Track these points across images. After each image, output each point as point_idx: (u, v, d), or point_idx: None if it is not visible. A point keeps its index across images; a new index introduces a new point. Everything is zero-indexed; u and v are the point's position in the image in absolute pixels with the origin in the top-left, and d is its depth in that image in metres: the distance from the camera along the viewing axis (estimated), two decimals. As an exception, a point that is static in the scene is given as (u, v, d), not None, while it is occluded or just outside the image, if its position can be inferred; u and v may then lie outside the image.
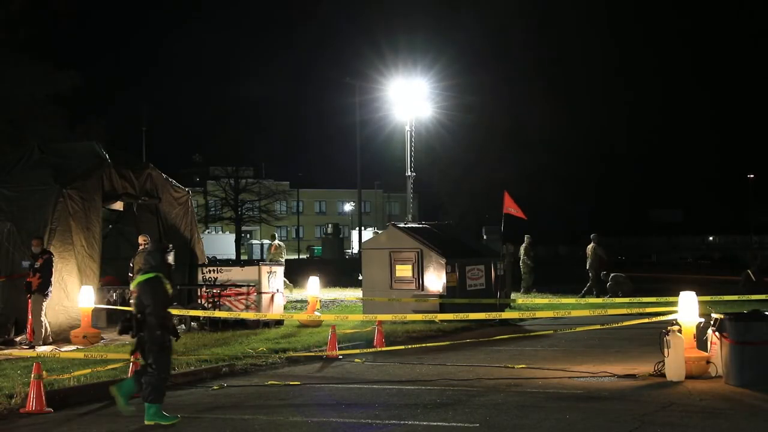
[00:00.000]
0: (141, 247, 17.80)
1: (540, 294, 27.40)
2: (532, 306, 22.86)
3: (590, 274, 26.63)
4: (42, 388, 10.39)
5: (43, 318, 15.82)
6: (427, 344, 14.54)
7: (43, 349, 14.73)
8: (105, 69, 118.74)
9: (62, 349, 14.75)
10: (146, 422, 9.70)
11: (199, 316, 18.05)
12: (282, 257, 27.04)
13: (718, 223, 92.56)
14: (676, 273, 38.14)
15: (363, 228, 59.99)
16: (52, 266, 15.91)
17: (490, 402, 10.64)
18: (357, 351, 14.04)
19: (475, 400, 10.76)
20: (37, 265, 15.77)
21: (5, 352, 14.55)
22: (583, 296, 25.88)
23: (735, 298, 18.37)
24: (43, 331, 15.76)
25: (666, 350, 11.79)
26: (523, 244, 28.40)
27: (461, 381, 12.21)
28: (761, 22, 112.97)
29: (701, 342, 12.14)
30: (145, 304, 9.68)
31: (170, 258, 9.95)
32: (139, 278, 9.84)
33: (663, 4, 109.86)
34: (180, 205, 20.50)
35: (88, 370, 11.70)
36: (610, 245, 27.59)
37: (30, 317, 15.74)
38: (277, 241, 28.38)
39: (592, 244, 26.96)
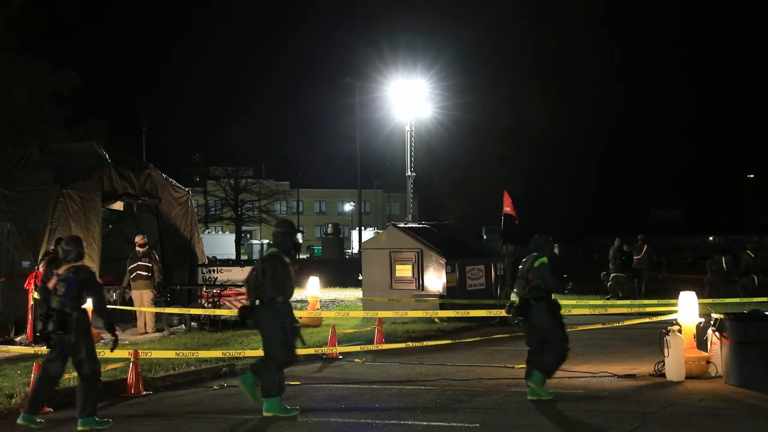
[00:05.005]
0: (142, 249, 17.79)
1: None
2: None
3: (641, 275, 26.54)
4: (42, 388, 10.38)
5: None
6: (427, 344, 14.52)
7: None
8: (105, 69, 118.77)
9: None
10: None
11: (199, 316, 18.05)
12: None
13: (718, 223, 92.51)
14: (676, 273, 38.11)
15: (363, 228, 59.97)
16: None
17: (490, 402, 10.64)
18: (357, 350, 14.03)
19: (475, 400, 10.76)
20: None
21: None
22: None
23: (736, 300, 18.37)
24: None
25: (666, 350, 11.79)
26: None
27: (461, 381, 12.21)
28: (761, 22, 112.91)
29: (701, 342, 12.14)
30: None
31: None
32: None
33: (662, 3, 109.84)
34: (180, 205, 20.50)
35: (88, 370, 11.67)
36: (610, 245, 27.48)
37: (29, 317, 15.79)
38: None
39: (645, 245, 26.81)
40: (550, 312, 10.68)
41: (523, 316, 10.74)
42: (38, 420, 9.68)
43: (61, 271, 9.78)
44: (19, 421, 9.58)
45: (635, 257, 26.70)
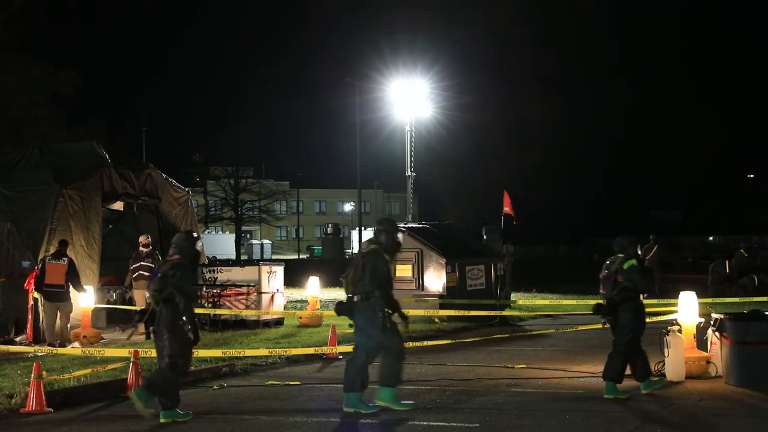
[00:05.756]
0: (146, 250, 17.78)
1: (540, 294, 27.38)
2: (532, 306, 22.85)
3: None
4: (42, 388, 10.39)
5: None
6: (427, 344, 14.51)
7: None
8: (105, 69, 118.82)
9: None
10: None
11: (199, 316, 18.01)
12: None
13: (718, 223, 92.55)
14: (676, 273, 38.18)
15: (363, 228, 59.95)
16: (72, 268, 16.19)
17: (490, 402, 10.64)
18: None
19: (475, 400, 10.76)
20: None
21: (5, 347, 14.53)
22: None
23: (736, 300, 18.36)
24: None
25: (666, 350, 11.78)
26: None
27: (461, 381, 12.20)
28: (762, 21, 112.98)
29: (701, 342, 12.13)
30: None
31: None
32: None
33: (662, 3, 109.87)
34: (180, 205, 20.49)
35: (88, 370, 11.69)
36: (610, 245, 27.34)
37: (30, 317, 15.87)
38: None
39: (655, 246, 26.79)
40: (636, 312, 10.90)
41: (613, 316, 10.90)
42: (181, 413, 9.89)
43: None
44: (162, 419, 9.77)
45: (645, 258, 26.67)
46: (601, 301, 11.13)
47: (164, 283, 9.78)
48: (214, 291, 18.60)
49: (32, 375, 10.42)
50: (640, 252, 11.34)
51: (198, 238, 10.38)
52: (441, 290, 19.42)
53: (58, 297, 15.84)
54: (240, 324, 18.01)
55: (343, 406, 10.03)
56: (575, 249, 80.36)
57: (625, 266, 10.87)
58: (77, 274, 16.15)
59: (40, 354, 13.73)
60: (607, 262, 11.18)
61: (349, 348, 14.09)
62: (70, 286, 16.02)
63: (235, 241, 76.18)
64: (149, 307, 9.90)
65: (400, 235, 10.34)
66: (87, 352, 13.05)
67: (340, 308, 10.25)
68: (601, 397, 10.84)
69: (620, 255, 11.03)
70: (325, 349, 14.22)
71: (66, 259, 15.98)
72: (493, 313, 17.13)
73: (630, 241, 11.14)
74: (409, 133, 32.95)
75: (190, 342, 9.90)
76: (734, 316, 11.60)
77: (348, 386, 10.04)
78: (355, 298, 10.08)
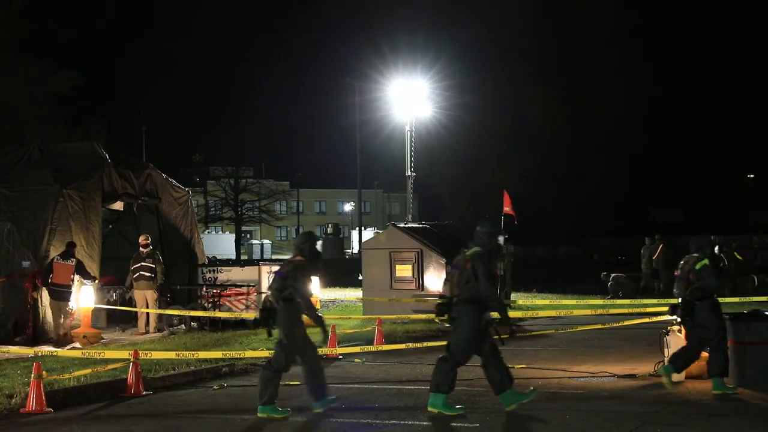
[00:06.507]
0: (146, 250, 17.78)
1: (540, 294, 27.37)
2: (532, 306, 22.85)
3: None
4: (42, 388, 10.40)
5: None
6: (428, 345, 14.50)
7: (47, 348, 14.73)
8: (105, 69, 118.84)
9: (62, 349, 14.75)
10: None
11: (199, 316, 18.04)
12: None
13: (718, 223, 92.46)
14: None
15: (363, 228, 59.96)
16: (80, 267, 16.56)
17: (489, 402, 10.63)
18: (357, 350, 14.03)
19: (475, 400, 10.76)
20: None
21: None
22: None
23: (736, 300, 18.36)
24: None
25: (666, 350, 11.77)
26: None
27: (461, 381, 12.11)
28: (762, 21, 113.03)
29: (701, 342, 12.11)
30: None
31: None
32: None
33: (662, 4, 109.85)
34: (180, 205, 20.49)
35: (88, 370, 11.69)
36: (610, 245, 27.52)
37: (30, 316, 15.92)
38: None
39: (661, 245, 27.05)
40: (713, 311, 10.96)
41: (688, 316, 10.98)
42: (279, 409, 10.07)
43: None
44: (260, 413, 9.94)
45: (652, 257, 26.73)
46: (676, 302, 11.19)
47: (285, 283, 10.04)
48: (214, 291, 18.60)
49: (32, 375, 10.42)
50: (718, 252, 11.41)
51: (317, 238, 10.54)
52: (441, 290, 19.37)
53: (62, 296, 16.14)
54: (240, 324, 18.01)
55: (428, 406, 9.88)
56: (575, 249, 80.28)
57: (698, 266, 10.97)
58: (85, 270, 16.54)
59: (40, 354, 13.72)
60: (682, 262, 11.30)
61: (348, 349, 14.17)
62: (76, 283, 16.22)
63: (235, 241, 76.13)
64: (270, 305, 10.14)
65: (501, 238, 10.21)
66: (87, 353, 13.05)
67: (441, 309, 10.10)
68: (601, 396, 10.84)
69: (695, 255, 11.08)
70: (325, 350, 14.20)
71: (74, 260, 16.29)
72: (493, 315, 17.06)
73: (707, 242, 11.31)
74: (409, 133, 32.94)
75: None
76: (734, 316, 11.59)
77: (436, 386, 9.86)
78: (454, 300, 9.94)
